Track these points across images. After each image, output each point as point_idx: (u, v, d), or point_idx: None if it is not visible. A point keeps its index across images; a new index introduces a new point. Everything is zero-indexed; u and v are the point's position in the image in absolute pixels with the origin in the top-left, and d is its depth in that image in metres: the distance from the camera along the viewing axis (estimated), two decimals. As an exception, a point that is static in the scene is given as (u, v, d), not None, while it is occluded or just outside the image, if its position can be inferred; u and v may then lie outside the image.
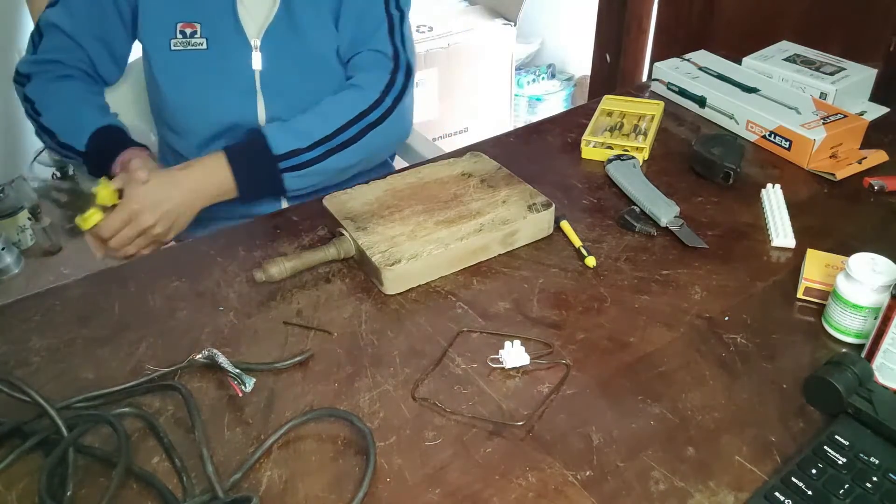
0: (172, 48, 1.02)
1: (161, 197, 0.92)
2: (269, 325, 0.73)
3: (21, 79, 1.05)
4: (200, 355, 0.66)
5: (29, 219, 2.18)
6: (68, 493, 0.56)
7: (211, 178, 0.96)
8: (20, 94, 1.05)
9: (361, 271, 0.80)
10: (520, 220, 0.81)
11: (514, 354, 0.66)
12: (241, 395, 0.64)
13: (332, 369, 0.68)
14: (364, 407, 0.64)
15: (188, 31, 1.02)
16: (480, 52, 2.34)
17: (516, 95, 2.61)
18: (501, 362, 0.67)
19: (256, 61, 1.03)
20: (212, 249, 0.85)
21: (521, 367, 0.67)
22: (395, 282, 0.76)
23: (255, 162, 0.97)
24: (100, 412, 0.62)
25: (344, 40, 1.05)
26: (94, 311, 0.76)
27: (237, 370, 0.64)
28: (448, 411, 0.63)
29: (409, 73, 1.06)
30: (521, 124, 2.24)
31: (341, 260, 0.81)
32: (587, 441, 0.60)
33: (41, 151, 2.32)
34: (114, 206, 0.91)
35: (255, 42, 1.03)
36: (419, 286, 0.77)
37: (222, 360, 0.64)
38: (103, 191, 0.91)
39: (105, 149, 1.01)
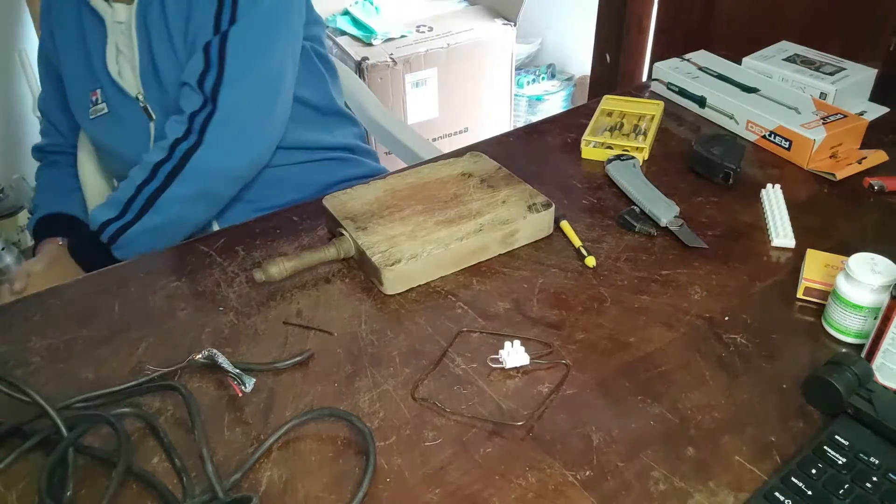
0: (91, 117, 1.06)
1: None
2: (269, 325, 0.73)
3: (36, 155, 1.20)
4: (200, 355, 0.66)
5: (29, 219, 2.18)
6: (68, 493, 0.56)
7: (54, 262, 1.02)
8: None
9: (361, 271, 0.80)
10: (520, 220, 0.81)
11: (514, 354, 0.66)
12: (241, 395, 0.64)
13: (332, 369, 0.68)
14: (364, 407, 0.64)
15: (94, 98, 1.05)
16: (480, 52, 2.34)
17: (516, 95, 2.61)
18: (501, 362, 0.67)
19: (148, 114, 1.03)
20: (212, 249, 0.85)
21: (521, 367, 0.67)
22: (395, 282, 0.76)
23: (89, 245, 0.99)
24: (100, 412, 0.62)
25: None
26: (94, 311, 0.76)
27: (237, 370, 0.64)
28: (448, 411, 0.63)
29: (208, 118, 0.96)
30: (521, 124, 2.24)
31: (341, 260, 0.81)
32: (587, 441, 0.60)
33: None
34: None
35: (139, 96, 1.02)
36: (419, 286, 0.77)
37: (222, 360, 0.64)
38: None
39: (37, 236, 1.14)
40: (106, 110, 1.05)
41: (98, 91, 1.04)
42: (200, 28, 0.96)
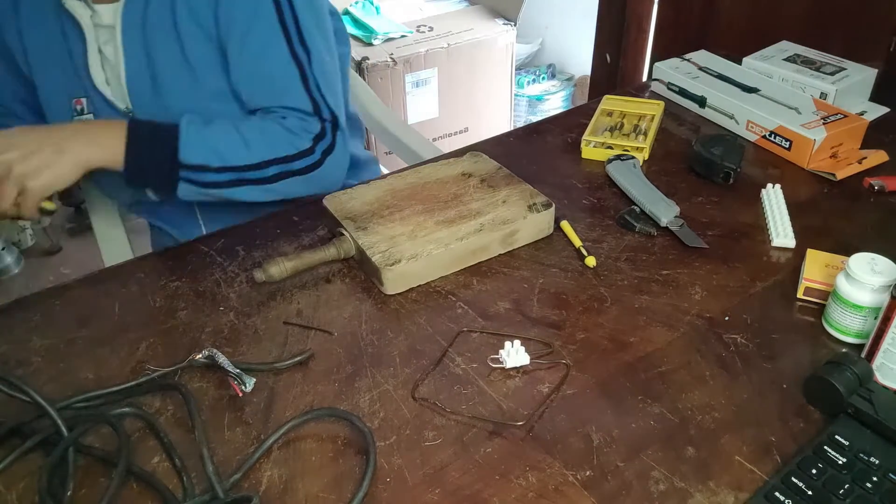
0: None
1: (26, 132, 0.82)
2: (269, 325, 0.73)
3: None
4: (200, 355, 0.66)
5: (29, 219, 2.18)
6: (68, 493, 0.56)
7: (100, 134, 0.86)
8: None
9: (361, 271, 0.80)
10: (520, 220, 0.81)
11: (514, 354, 0.66)
12: (241, 395, 0.64)
13: (332, 369, 0.68)
14: (364, 407, 0.64)
15: (78, 107, 0.95)
16: (480, 52, 2.34)
17: (516, 95, 2.61)
18: (501, 362, 0.67)
19: None
20: (212, 249, 0.85)
21: (521, 367, 0.67)
22: (395, 282, 0.76)
23: (155, 155, 0.86)
24: (100, 412, 0.62)
25: (243, 90, 0.92)
26: (94, 311, 0.76)
27: (237, 370, 0.64)
28: (448, 411, 0.63)
29: (336, 126, 0.93)
30: (521, 124, 2.24)
31: (341, 260, 0.81)
32: (587, 441, 0.60)
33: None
34: None
35: (127, 106, 0.93)
36: (419, 286, 0.77)
37: (222, 360, 0.65)
38: None
39: None
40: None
41: (83, 100, 0.94)
42: (252, 27, 0.88)
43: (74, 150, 0.82)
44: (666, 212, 0.84)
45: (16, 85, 0.98)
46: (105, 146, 0.85)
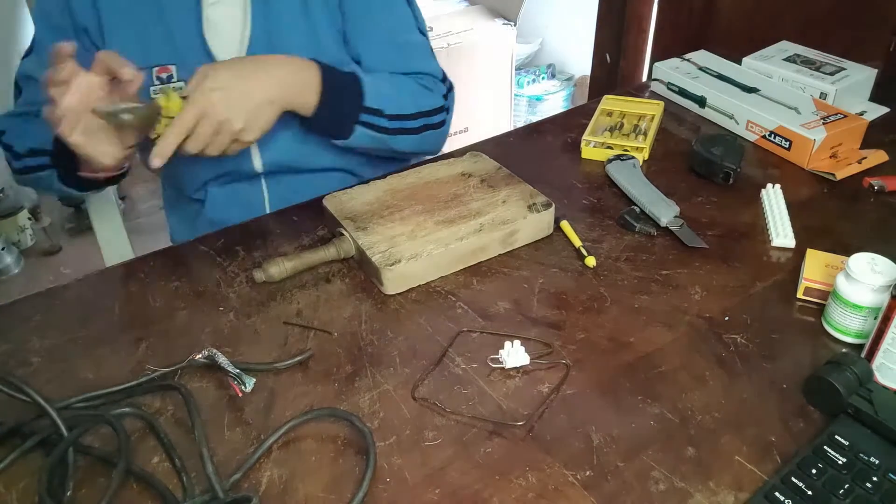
0: (153, 96, 0.91)
1: (231, 85, 0.79)
2: (269, 325, 0.73)
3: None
4: (200, 355, 0.66)
5: (29, 219, 2.18)
6: (68, 493, 0.56)
7: (298, 74, 0.86)
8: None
9: (361, 271, 0.80)
10: (520, 220, 0.81)
11: (514, 354, 0.66)
12: (241, 395, 0.64)
13: (332, 369, 0.68)
14: (364, 407, 0.64)
15: (164, 75, 0.92)
16: (480, 52, 2.34)
17: (516, 95, 2.61)
18: (501, 362, 0.67)
19: None
20: (212, 249, 0.85)
21: (521, 367, 0.67)
22: (395, 282, 0.76)
23: (343, 94, 0.89)
24: (100, 412, 0.62)
25: (373, 58, 0.97)
26: (94, 311, 0.76)
27: (237, 370, 0.64)
28: (448, 411, 0.63)
29: (450, 90, 1.02)
30: (521, 124, 2.24)
31: (341, 260, 0.81)
32: (587, 441, 0.60)
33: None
34: None
35: None
36: (419, 286, 0.77)
37: (222, 360, 0.65)
38: (171, 101, 0.76)
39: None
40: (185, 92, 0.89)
41: (172, 67, 0.91)
42: None
43: (279, 99, 0.83)
44: (666, 212, 0.85)
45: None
46: (300, 94, 0.86)
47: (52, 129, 0.75)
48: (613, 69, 2.19)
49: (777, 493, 0.54)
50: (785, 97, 1.04)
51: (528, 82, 2.73)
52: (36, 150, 0.88)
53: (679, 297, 0.75)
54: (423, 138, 0.97)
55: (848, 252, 0.70)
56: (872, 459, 0.56)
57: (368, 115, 0.91)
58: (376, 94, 0.91)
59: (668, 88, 1.16)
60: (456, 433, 0.61)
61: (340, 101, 0.89)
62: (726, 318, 0.72)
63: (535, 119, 2.59)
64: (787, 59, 1.15)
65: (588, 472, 0.57)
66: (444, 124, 1.00)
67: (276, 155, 0.99)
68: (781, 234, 0.82)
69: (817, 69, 1.11)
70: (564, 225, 0.85)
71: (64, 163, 0.86)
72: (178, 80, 0.92)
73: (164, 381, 0.65)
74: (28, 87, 0.94)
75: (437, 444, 0.60)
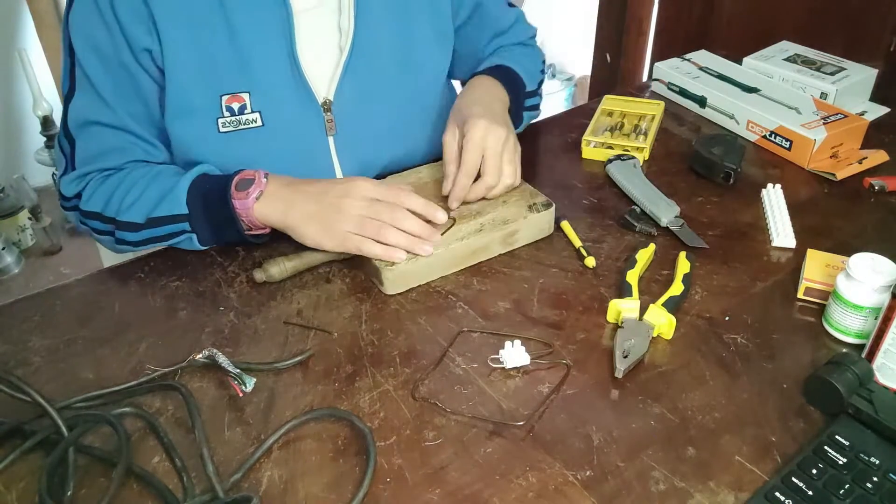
0: (221, 130, 0.82)
1: (489, 111, 0.83)
2: (269, 325, 0.73)
3: (72, 202, 0.84)
4: (200, 355, 0.66)
5: (29, 219, 2.18)
6: (68, 493, 0.56)
7: (497, 91, 0.92)
8: (79, 221, 0.85)
9: (361, 271, 0.80)
10: (520, 220, 0.81)
11: (514, 354, 0.66)
12: (241, 395, 0.64)
13: (332, 369, 0.68)
14: (364, 407, 0.64)
15: (235, 105, 0.82)
16: (481, 52, 2.33)
17: (517, 95, 2.61)
18: (501, 362, 0.67)
19: (329, 126, 0.86)
20: (212, 249, 0.84)
21: (521, 367, 0.67)
22: (395, 282, 0.76)
23: (512, 89, 0.94)
24: (100, 412, 0.62)
25: (470, 45, 0.99)
26: (94, 311, 0.76)
27: (237, 370, 0.64)
28: (448, 411, 0.63)
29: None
30: (521, 124, 2.24)
31: (341, 260, 0.81)
32: (587, 441, 0.60)
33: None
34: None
35: (326, 100, 0.85)
36: (419, 286, 0.77)
37: (222, 360, 0.65)
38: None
39: (210, 193, 0.78)
40: (259, 122, 0.83)
41: (245, 96, 0.82)
42: None
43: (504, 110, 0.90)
44: (666, 212, 0.84)
45: (135, 93, 0.82)
46: (504, 100, 0.93)
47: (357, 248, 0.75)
48: (614, 69, 2.19)
49: (777, 493, 0.54)
50: (785, 97, 1.04)
51: (529, 82, 2.73)
52: (162, 219, 0.79)
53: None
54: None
55: (848, 252, 0.70)
56: (873, 460, 0.56)
57: (528, 99, 1.00)
58: (528, 77, 0.98)
59: (669, 88, 1.16)
60: (456, 433, 0.61)
61: (515, 95, 0.94)
62: (726, 318, 0.72)
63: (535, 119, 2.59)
64: (788, 59, 1.15)
65: (588, 472, 0.57)
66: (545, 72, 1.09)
67: None
68: (782, 234, 0.82)
69: (818, 69, 1.11)
70: (565, 225, 0.85)
71: (202, 224, 0.79)
72: (253, 112, 0.83)
73: (165, 380, 0.65)
74: (86, 135, 0.82)
75: (437, 443, 0.60)
